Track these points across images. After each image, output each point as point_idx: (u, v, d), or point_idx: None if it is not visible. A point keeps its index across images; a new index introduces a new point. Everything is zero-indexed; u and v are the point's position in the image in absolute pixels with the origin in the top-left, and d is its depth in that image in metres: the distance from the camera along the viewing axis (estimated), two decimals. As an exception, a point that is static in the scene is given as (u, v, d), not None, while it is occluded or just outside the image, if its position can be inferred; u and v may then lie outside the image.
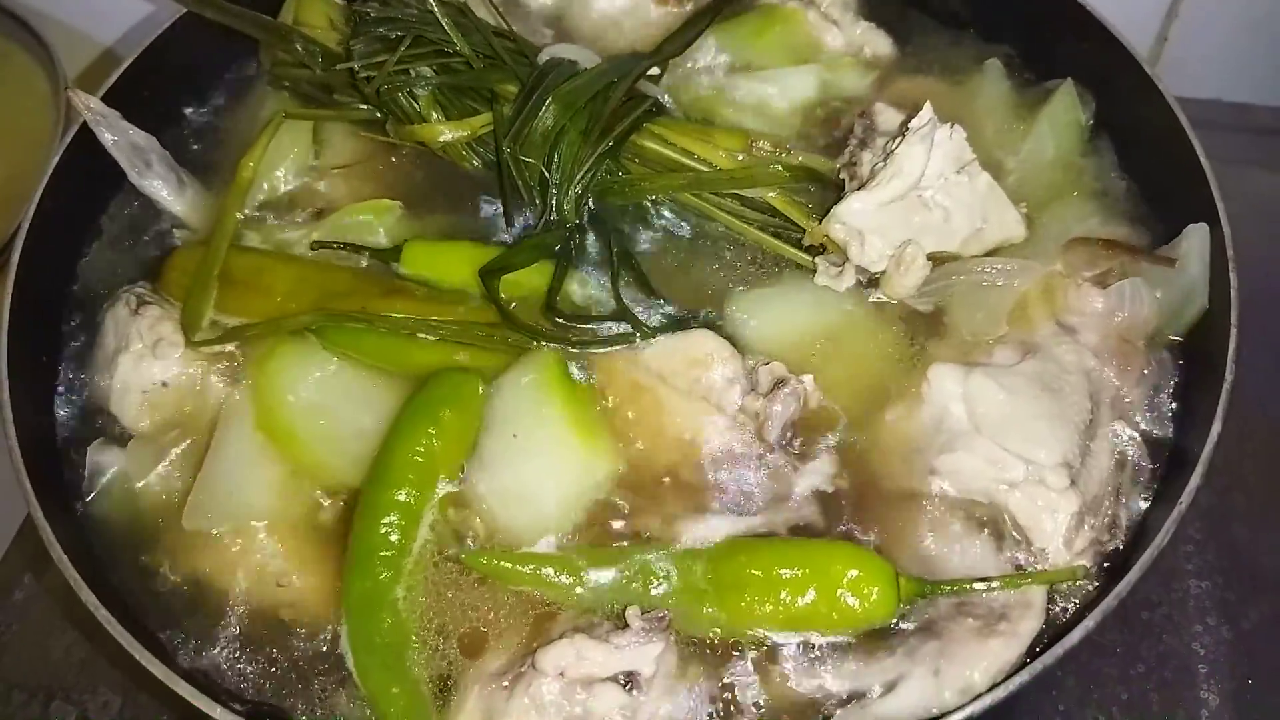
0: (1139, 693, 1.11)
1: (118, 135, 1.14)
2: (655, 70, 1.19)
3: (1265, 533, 1.21)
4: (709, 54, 1.28)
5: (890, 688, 0.85)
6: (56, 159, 1.11)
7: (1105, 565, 0.92)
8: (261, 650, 0.92)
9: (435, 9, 1.15)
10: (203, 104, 1.28)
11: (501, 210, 1.15)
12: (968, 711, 0.77)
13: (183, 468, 1.00)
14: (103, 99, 1.14)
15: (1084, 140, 1.19)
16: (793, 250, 1.11)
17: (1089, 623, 0.81)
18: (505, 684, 0.86)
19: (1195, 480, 0.86)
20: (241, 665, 0.91)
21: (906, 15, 1.32)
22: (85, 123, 1.13)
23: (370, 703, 0.88)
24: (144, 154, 1.16)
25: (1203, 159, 1.06)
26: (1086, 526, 0.92)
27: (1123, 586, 0.82)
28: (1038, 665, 0.80)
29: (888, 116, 1.17)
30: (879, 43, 1.29)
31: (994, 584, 0.89)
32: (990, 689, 0.79)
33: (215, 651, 0.92)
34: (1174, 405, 1.01)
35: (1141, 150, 1.16)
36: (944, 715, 0.78)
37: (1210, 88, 1.03)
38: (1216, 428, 0.90)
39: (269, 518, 0.97)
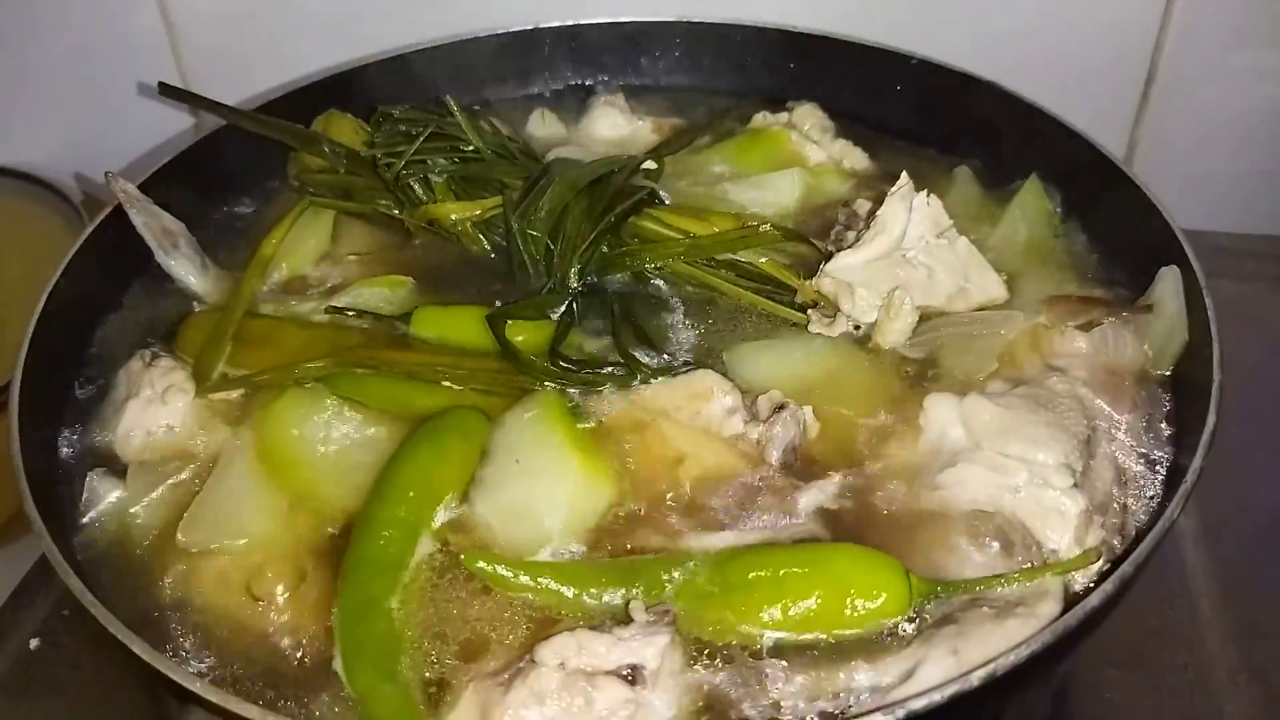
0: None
1: (149, 218, 1.22)
2: (653, 165, 1.29)
3: None
4: (702, 166, 1.39)
5: (908, 675, 0.81)
6: (85, 236, 1.18)
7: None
8: (250, 662, 0.87)
9: (454, 109, 1.27)
10: (230, 208, 1.36)
11: (509, 290, 1.21)
12: (990, 669, 0.73)
13: (181, 495, 0.99)
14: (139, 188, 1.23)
15: (1054, 225, 1.28)
16: (786, 309, 1.16)
17: (1108, 587, 0.78)
18: (502, 680, 0.81)
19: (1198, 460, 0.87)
20: (227, 673, 0.86)
21: (880, 137, 1.45)
22: (111, 210, 1.20)
23: (359, 703, 0.82)
24: (173, 237, 1.23)
25: (1173, 225, 1.13)
26: (1097, 525, 0.91)
27: (1140, 552, 0.80)
28: (1059, 626, 0.76)
29: (869, 209, 1.26)
30: (856, 157, 1.41)
31: (1007, 580, 0.87)
32: (1012, 649, 0.75)
33: (206, 664, 0.87)
34: (1173, 430, 1.02)
35: (1112, 228, 1.23)
36: (968, 673, 0.73)
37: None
38: (1212, 417, 0.91)
39: (265, 538, 0.95)
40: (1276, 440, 1.35)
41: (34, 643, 1.15)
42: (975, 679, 0.73)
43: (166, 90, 1.35)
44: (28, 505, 0.91)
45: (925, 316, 1.13)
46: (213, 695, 0.74)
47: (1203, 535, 1.24)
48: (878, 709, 0.71)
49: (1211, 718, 1.09)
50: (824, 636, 0.86)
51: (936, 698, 0.72)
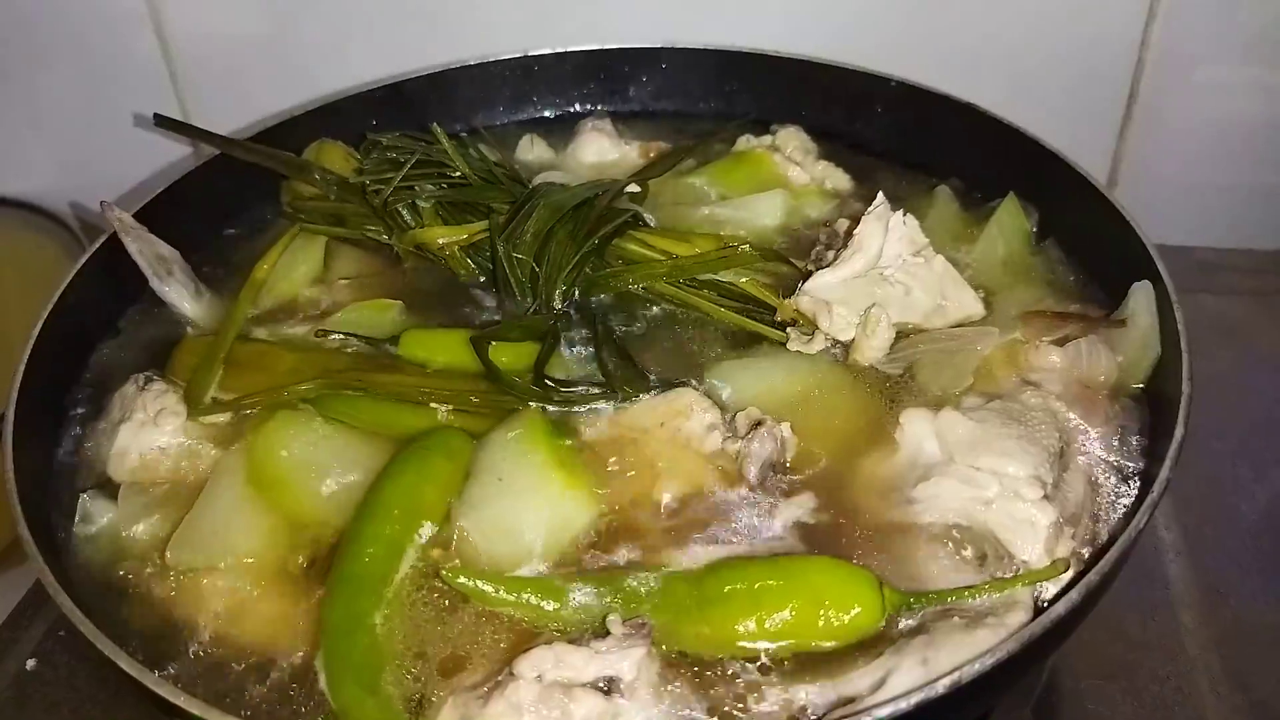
0: (1158, 765, 1.05)
1: (143, 245, 1.25)
2: (637, 189, 1.32)
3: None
4: (687, 189, 1.42)
5: (879, 685, 0.82)
6: (80, 263, 1.21)
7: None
8: (234, 678, 0.89)
9: (441, 137, 1.30)
10: (223, 234, 1.39)
11: (495, 313, 1.24)
12: (955, 677, 0.74)
13: (170, 515, 1.01)
14: (134, 216, 1.26)
15: (1031, 243, 1.30)
16: (766, 328, 1.18)
17: (1074, 596, 0.80)
18: (482, 693, 0.83)
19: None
20: (212, 689, 0.88)
21: (861, 158, 1.47)
22: (107, 238, 1.23)
23: (342, 716, 0.84)
24: (167, 264, 1.26)
25: (1145, 241, 1.15)
26: (1067, 536, 0.93)
27: (1106, 561, 0.82)
28: (1025, 634, 0.78)
29: (848, 228, 1.28)
30: (838, 178, 1.43)
31: (978, 591, 0.88)
32: (978, 658, 0.76)
33: (191, 679, 0.89)
34: (1146, 442, 1.04)
35: (1087, 245, 1.25)
36: (934, 681, 0.75)
37: (1155, 234, 1.19)
38: (1180, 430, 0.93)
39: (252, 557, 0.97)
40: (1257, 453, 1.36)
41: (31, 663, 1.17)
42: (941, 687, 0.75)
43: (162, 121, 1.38)
44: (20, 528, 0.94)
45: (903, 333, 1.15)
46: (196, 709, 0.76)
47: (1184, 547, 1.25)
48: (845, 715, 0.73)
49: (1194, 729, 1.10)
50: (798, 648, 0.87)
51: (903, 705, 0.74)
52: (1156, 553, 1.25)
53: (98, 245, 1.23)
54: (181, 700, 0.77)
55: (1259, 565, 1.25)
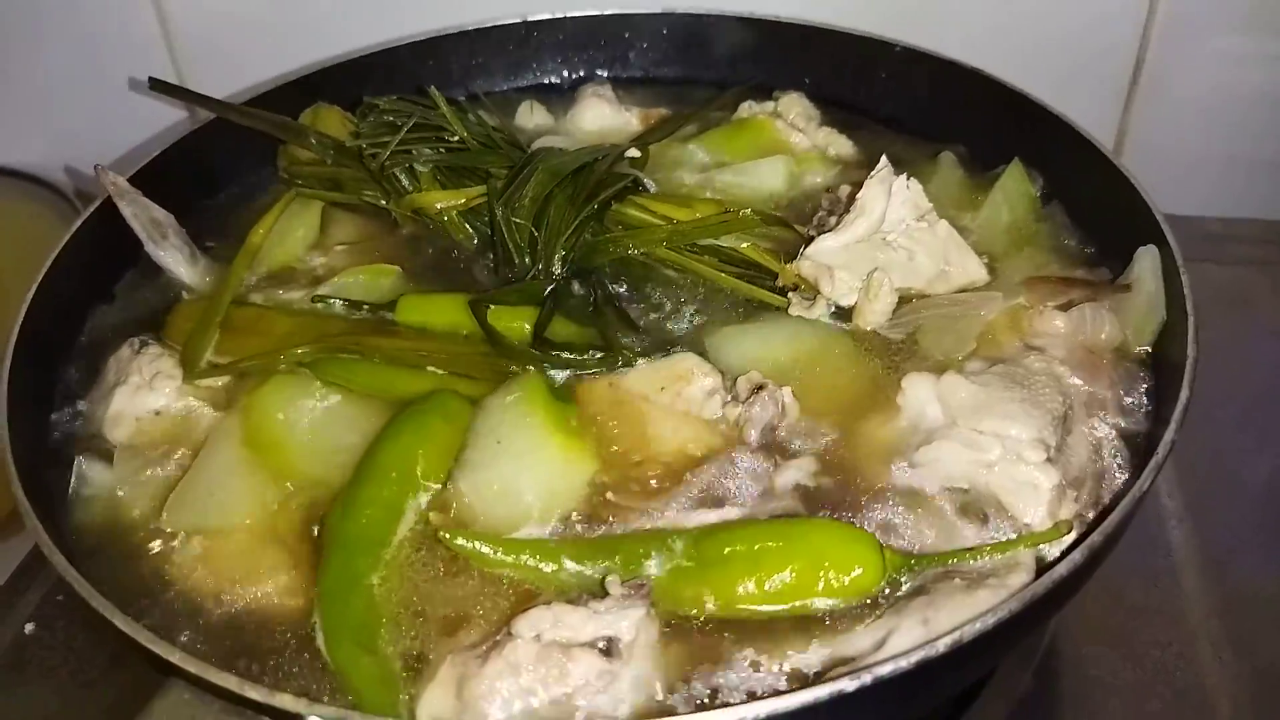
0: (1158, 729, 1.05)
1: (138, 209, 1.23)
2: (636, 153, 1.30)
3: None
4: (688, 155, 1.40)
5: (880, 645, 0.82)
6: (75, 228, 1.19)
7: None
8: (231, 638, 0.89)
9: (440, 101, 1.28)
10: (219, 199, 1.38)
11: (493, 278, 1.23)
12: (956, 635, 0.74)
13: (167, 478, 1.01)
14: (129, 180, 1.24)
15: (1036, 209, 1.28)
16: (767, 293, 1.17)
17: (1076, 557, 0.79)
18: (480, 653, 0.83)
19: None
20: (209, 648, 0.88)
21: (864, 124, 1.46)
22: (101, 203, 1.22)
23: (338, 675, 0.84)
24: (161, 228, 1.25)
25: (1151, 206, 1.14)
26: (1070, 499, 0.92)
27: (1110, 522, 0.81)
28: (1027, 594, 0.77)
29: (850, 194, 1.26)
30: (841, 144, 1.42)
31: (980, 552, 0.88)
32: (979, 617, 0.76)
33: (187, 638, 0.89)
34: (1149, 406, 1.03)
35: (1093, 210, 1.24)
36: (934, 640, 0.74)
37: (1160, 205, 1.18)
38: (1185, 394, 0.92)
39: (249, 519, 0.96)
40: (1260, 421, 1.36)
41: (29, 627, 1.17)
42: (942, 645, 0.74)
43: (157, 85, 1.36)
44: (16, 489, 0.93)
45: (905, 298, 1.13)
46: (192, 666, 0.75)
47: (1186, 514, 1.25)
48: (845, 674, 0.72)
49: (1195, 694, 1.10)
50: (799, 609, 0.87)
51: (904, 664, 0.73)
52: (1159, 520, 1.24)
53: (91, 209, 1.21)
54: (177, 658, 0.76)
55: (1261, 533, 1.25)
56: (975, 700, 1.07)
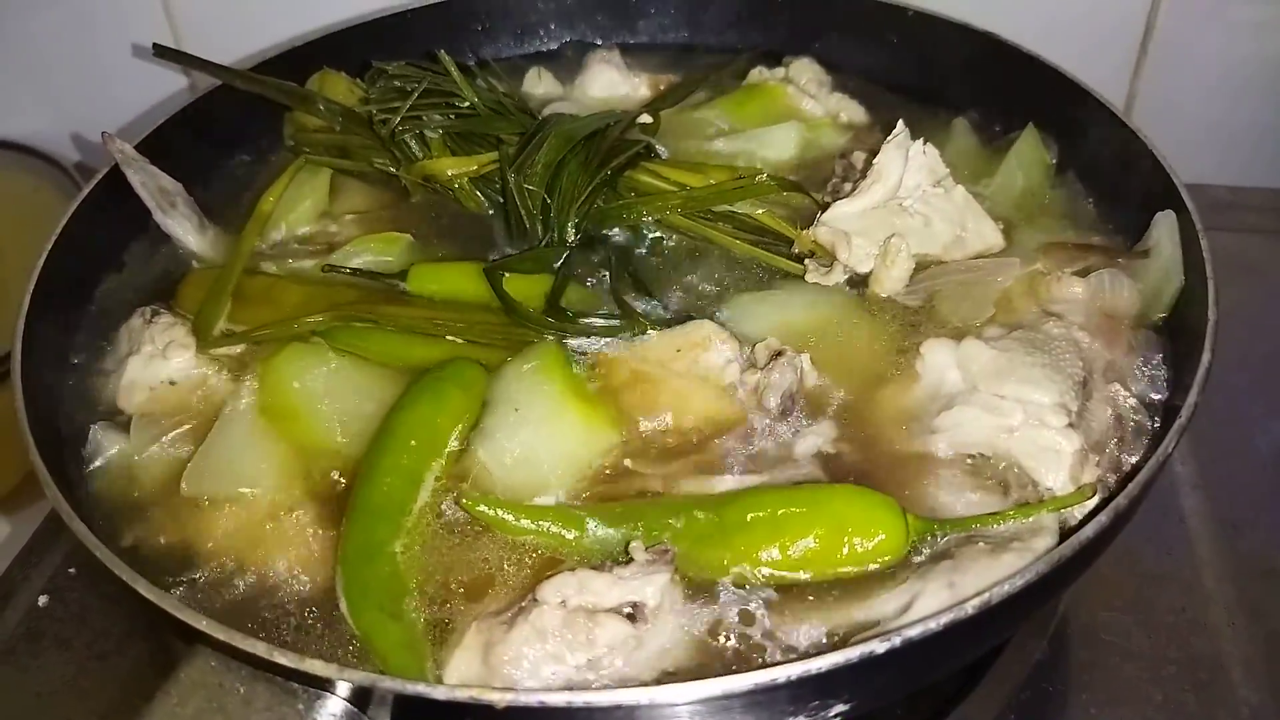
0: (1174, 693, 1.05)
1: (145, 178, 1.22)
2: (649, 119, 1.29)
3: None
4: (700, 122, 1.39)
5: (905, 609, 0.82)
6: (83, 196, 1.18)
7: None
8: (253, 604, 0.89)
9: (449, 65, 1.26)
10: (227, 167, 1.37)
11: (505, 246, 1.22)
12: (985, 597, 0.74)
13: (183, 446, 1.00)
14: (135, 148, 1.23)
15: (1050, 176, 1.28)
16: (783, 260, 1.16)
17: (1102, 519, 0.79)
18: (505, 619, 0.82)
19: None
20: (232, 616, 0.87)
21: (876, 90, 1.44)
22: (109, 171, 1.20)
23: (364, 641, 0.83)
24: (170, 196, 1.23)
25: (1169, 170, 1.13)
26: (1092, 463, 0.92)
27: (1135, 484, 0.81)
28: (1055, 556, 0.77)
29: (865, 160, 1.25)
30: (853, 109, 1.41)
31: (1003, 517, 0.88)
32: (1007, 579, 0.76)
33: (210, 606, 0.89)
34: (1169, 373, 1.03)
35: (1108, 176, 1.23)
36: (962, 602, 0.74)
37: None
38: (1207, 357, 0.91)
39: (267, 487, 0.96)
40: (1273, 389, 1.36)
41: (43, 599, 1.17)
42: (970, 608, 0.74)
43: (161, 51, 1.34)
44: (33, 456, 0.92)
45: (922, 265, 1.13)
46: (219, 633, 0.75)
47: (1200, 481, 1.25)
48: (874, 635, 0.72)
49: (1209, 659, 1.10)
50: (822, 574, 0.86)
51: (933, 626, 0.73)
52: (1173, 487, 1.25)
53: (99, 178, 1.20)
54: (204, 625, 0.75)
55: (1274, 499, 1.25)
56: (991, 666, 1.07)
